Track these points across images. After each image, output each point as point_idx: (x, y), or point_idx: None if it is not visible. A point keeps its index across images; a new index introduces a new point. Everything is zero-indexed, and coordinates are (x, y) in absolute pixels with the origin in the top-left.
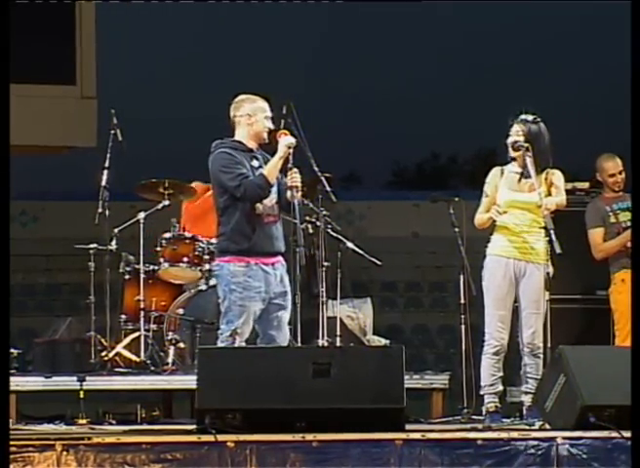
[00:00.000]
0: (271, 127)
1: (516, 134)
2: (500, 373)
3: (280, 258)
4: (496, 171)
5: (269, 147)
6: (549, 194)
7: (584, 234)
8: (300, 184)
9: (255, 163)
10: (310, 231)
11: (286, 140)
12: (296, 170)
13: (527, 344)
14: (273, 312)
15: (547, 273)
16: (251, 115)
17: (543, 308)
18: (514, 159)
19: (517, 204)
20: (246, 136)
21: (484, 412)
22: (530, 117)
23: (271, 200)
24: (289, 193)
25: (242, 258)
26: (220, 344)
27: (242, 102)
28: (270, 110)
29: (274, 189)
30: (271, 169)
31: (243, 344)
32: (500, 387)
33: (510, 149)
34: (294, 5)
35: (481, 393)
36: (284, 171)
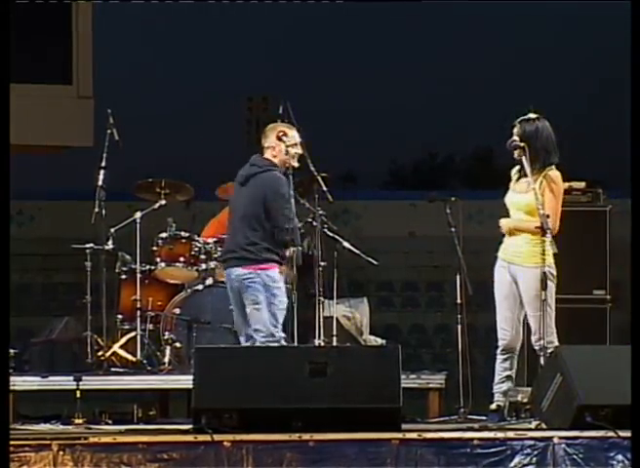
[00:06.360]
0: (298, 152)
1: (515, 134)
2: (507, 373)
3: None
4: (515, 169)
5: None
6: (543, 197)
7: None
8: None
9: None
10: (302, 231)
11: None
12: None
13: (534, 345)
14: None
15: (544, 273)
16: (274, 147)
17: (544, 308)
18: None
19: (513, 204)
20: (276, 163)
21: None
22: (529, 115)
23: None
24: None
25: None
26: None
27: (267, 133)
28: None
29: None
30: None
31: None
32: (506, 386)
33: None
34: (294, 5)
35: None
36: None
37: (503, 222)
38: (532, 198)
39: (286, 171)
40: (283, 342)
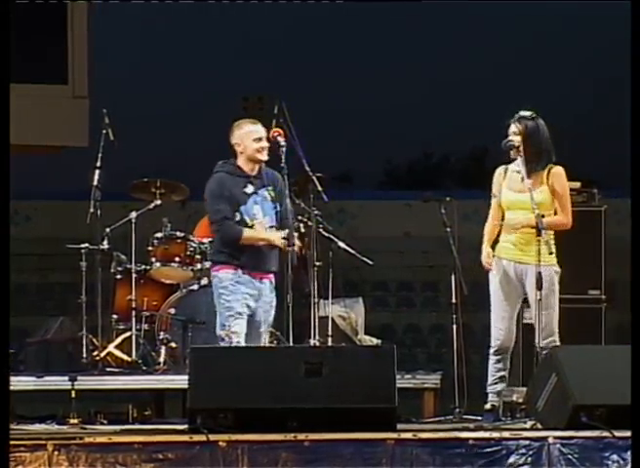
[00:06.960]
0: (263, 146)
1: (513, 133)
2: (501, 373)
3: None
4: (500, 170)
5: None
6: (553, 194)
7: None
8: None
9: (249, 188)
10: (302, 230)
11: (281, 240)
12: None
13: (539, 343)
14: None
15: (539, 273)
16: (239, 143)
17: (551, 307)
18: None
19: (517, 204)
20: (242, 161)
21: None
22: (527, 113)
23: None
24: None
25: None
26: None
27: (232, 130)
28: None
29: (273, 216)
30: (254, 237)
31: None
32: (500, 387)
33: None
34: (294, 5)
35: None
36: (281, 173)
37: (520, 219)
38: (539, 196)
39: (280, 170)
40: (233, 338)
